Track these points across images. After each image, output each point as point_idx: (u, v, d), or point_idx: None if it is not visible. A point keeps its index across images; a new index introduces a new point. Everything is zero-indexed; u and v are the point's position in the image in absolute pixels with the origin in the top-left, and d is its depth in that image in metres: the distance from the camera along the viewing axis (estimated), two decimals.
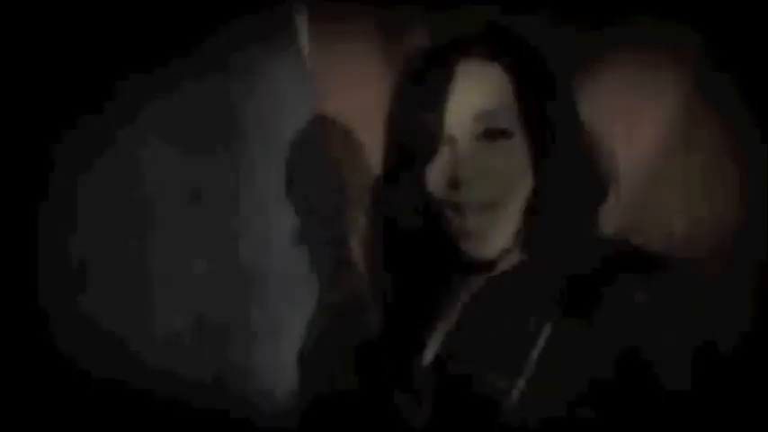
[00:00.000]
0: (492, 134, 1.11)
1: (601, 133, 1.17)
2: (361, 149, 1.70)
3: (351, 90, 1.68)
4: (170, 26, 1.67)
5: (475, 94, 1.11)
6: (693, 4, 1.60)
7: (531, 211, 1.13)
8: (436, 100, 1.10)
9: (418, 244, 1.18)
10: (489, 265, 1.16)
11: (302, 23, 1.72)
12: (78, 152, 1.69)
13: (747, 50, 1.60)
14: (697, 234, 1.65)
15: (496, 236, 1.13)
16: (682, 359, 1.07)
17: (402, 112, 1.14)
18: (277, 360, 1.73)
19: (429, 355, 1.17)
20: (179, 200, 1.73)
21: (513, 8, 1.55)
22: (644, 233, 1.58)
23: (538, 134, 1.12)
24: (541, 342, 1.09)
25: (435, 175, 1.13)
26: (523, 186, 1.13)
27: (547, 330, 1.09)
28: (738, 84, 1.62)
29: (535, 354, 1.09)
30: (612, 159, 1.16)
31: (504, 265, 1.17)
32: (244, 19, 1.70)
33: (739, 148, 1.63)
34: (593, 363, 1.07)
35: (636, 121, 1.67)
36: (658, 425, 1.07)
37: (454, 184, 1.10)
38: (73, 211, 1.68)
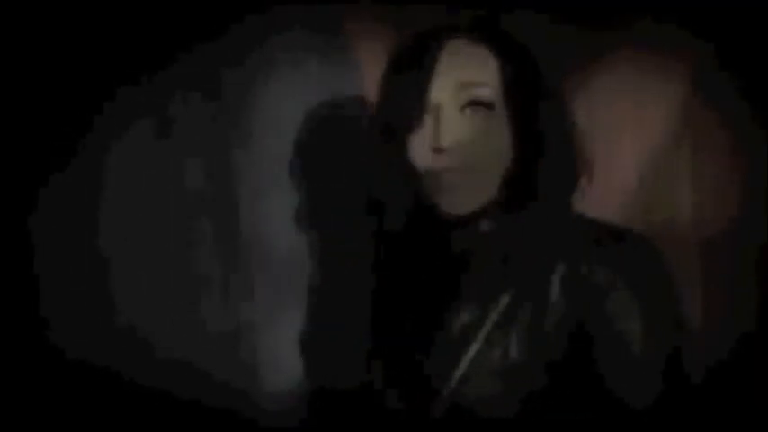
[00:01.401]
0: (475, 104, 1.17)
1: (579, 121, 1.23)
2: None
3: None
4: (193, 18, 1.68)
5: (461, 65, 1.18)
6: (694, 5, 1.61)
7: (506, 184, 1.19)
8: (424, 69, 1.17)
9: (402, 213, 1.24)
10: (462, 224, 1.21)
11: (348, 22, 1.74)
12: (84, 146, 1.67)
13: (748, 50, 1.60)
14: (697, 233, 1.65)
15: (470, 194, 1.18)
16: (634, 337, 1.10)
17: (391, 82, 1.21)
18: (279, 357, 1.73)
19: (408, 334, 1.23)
20: (182, 193, 1.72)
21: (515, 8, 1.58)
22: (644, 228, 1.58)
23: (519, 111, 1.18)
24: (498, 311, 1.15)
25: (419, 142, 1.19)
26: (502, 158, 1.19)
27: (504, 300, 1.15)
28: (739, 82, 1.62)
29: (489, 323, 1.14)
30: (588, 146, 1.22)
31: (479, 231, 1.22)
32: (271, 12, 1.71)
33: (740, 147, 1.63)
34: (545, 334, 1.12)
35: (637, 121, 1.67)
36: (606, 397, 1.11)
37: (438, 149, 1.16)
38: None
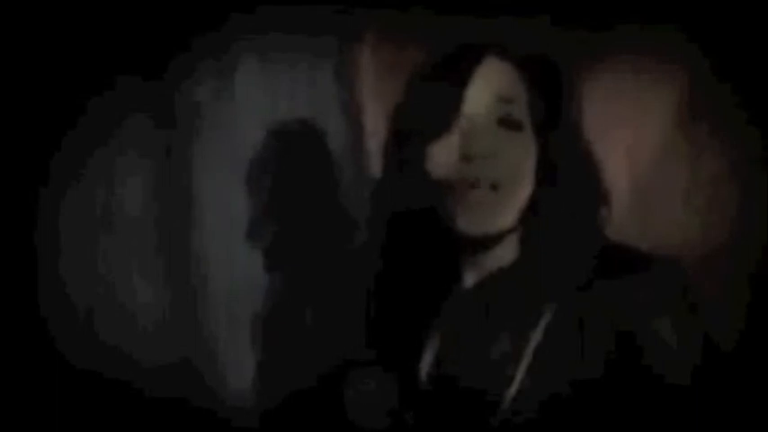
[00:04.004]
0: (506, 122, 1.17)
1: (597, 148, 1.23)
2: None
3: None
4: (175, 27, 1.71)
5: (496, 82, 1.18)
6: (689, 10, 1.62)
7: (529, 210, 1.18)
8: (460, 79, 1.17)
9: (414, 230, 1.22)
10: (483, 244, 1.20)
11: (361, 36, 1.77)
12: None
13: (744, 56, 1.61)
14: (693, 241, 1.65)
15: (493, 214, 1.17)
16: (676, 356, 1.12)
17: (420, 89, 1.21)
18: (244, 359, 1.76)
19: (427, 361, 1.22)
20: (138, 201, 1.77)
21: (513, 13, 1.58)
22: (639, 238, 1.59)
23: (544, 137, 1.19)
24: (536, 338, 1.14)
25: (446, 150, 1.17)
26: (526, 181, 1.18)
27: (542, 326, 1.15)
28: (735, 89, 1.63)
29: (530, 350, 1.14)
30: (605, 172, 1.23)
31: (499, 261, 1.21)
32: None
33: (736, 154, 1.64)
34: (585, 360, 1.12)
35: (632, 128, 1.69)
36: (647, 420, 1.11)
37: (467, 157, 1.15)
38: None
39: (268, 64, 1.76)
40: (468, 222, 1.17)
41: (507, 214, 1.18)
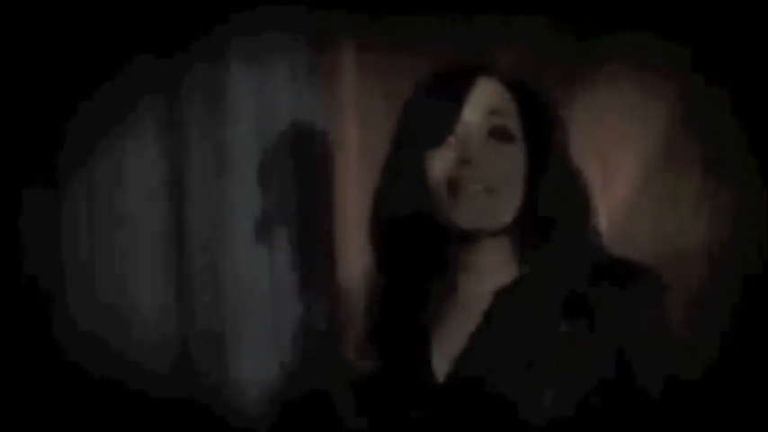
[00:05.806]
0: (499, 132, 1.28)
1: (582, 166, 1.32)
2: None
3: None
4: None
5: (491, 96, 1.29)
6: (681, 20, 1.63)
7: (524, 224, 1.27)
8: (458, 93, 1.28)
9: (411, 235, 1.31)
10: (479, 247, 1.28)
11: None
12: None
13: (736, 67, 1.62)
14: (688, 247, 1.66)
15: (488, 213, 1.26)
16: (660, 362, 1.21)
17: (421, 102, 1.30)
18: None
19: (442, 373, 1.27)
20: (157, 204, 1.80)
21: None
22: (635, 246, 1.58)
23: (534, 152, 1.28)
24: (557, 348, 1.21)
25: (444, 156, 1.27)
26: (518, 188, 1.28)
27: (558, 337, 1.21)
28: (727, 100, 1.63)
29: (555, 359, 1.20)
30: (591, 188, 1.32)
31: (503, 278, 1.29)
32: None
33: (727, 164, 1.64)
34: (597, 365, 1.20)
35: (626, 136, 1.70)
36: (644, 423, 1.19)
37: (465, 160, 1.25)
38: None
39: (255, 67, 1.80)
40: (465, 217, 1.25)
41: (501, 215, 1.27)
